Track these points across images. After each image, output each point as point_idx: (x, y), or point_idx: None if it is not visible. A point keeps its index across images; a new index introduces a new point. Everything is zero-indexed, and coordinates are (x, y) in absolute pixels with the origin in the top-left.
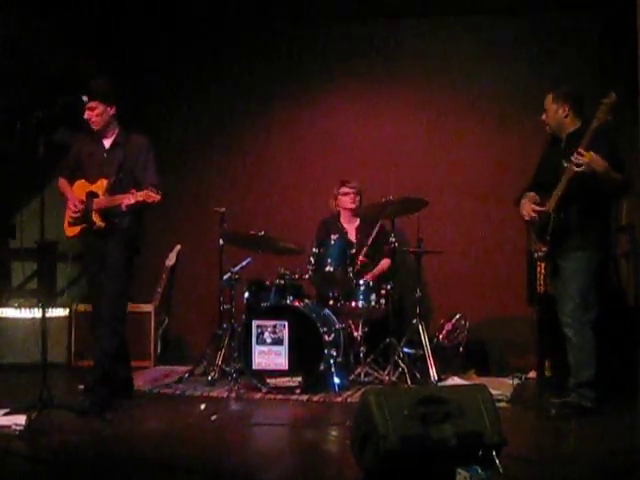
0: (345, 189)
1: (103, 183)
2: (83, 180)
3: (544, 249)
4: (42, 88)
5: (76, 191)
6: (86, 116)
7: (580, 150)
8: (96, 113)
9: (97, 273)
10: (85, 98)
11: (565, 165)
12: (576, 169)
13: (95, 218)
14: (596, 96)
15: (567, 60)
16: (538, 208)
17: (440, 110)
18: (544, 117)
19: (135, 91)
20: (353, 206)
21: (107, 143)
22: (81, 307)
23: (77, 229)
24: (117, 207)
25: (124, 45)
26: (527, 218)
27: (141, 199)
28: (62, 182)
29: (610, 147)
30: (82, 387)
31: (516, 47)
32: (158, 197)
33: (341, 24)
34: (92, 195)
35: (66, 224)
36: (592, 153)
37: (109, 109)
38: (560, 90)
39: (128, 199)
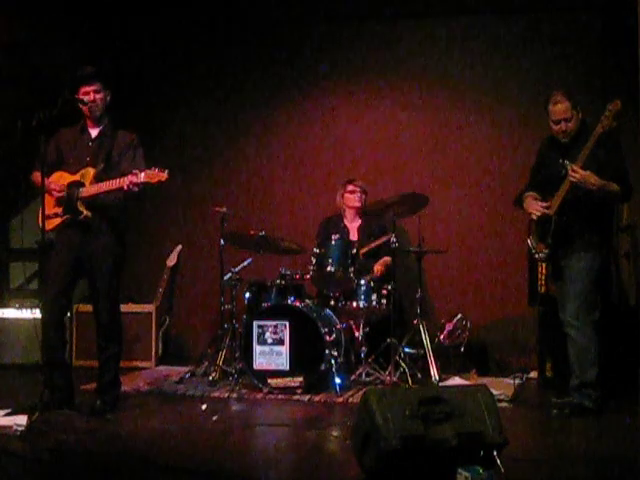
0: (351, 187)
1: (90, 172)
2: (62, 172)
3: (545, 251)
4: (42, 88)
5: (54, 183)
6: (90, 98)
7: (574, 168)
8: (101, 96)
9: (63, 268)
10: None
11: (568, 167)
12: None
13: (81, 207)
14: (596, 95)
15: (568, 59)
16: (544, 204)
17: (441, 110)
18: (566, 126)
19: (135, 92)
20: (358, 204)
21: (94, 133)
22: (82, 307)
23: (57, 221)
24: (105, 196)
25: (124, 46)
26: (537, 215)
27: (146, 179)
28: (37, 175)
29: (612, 155)
30: (85, 387)
31: (517, 46)
32: (165, 175)
33: (342, 24)
34: (77, 184)
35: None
36: (584, 172)
37: (108, 95)
38: (572, 95)
39: (133, 179)
